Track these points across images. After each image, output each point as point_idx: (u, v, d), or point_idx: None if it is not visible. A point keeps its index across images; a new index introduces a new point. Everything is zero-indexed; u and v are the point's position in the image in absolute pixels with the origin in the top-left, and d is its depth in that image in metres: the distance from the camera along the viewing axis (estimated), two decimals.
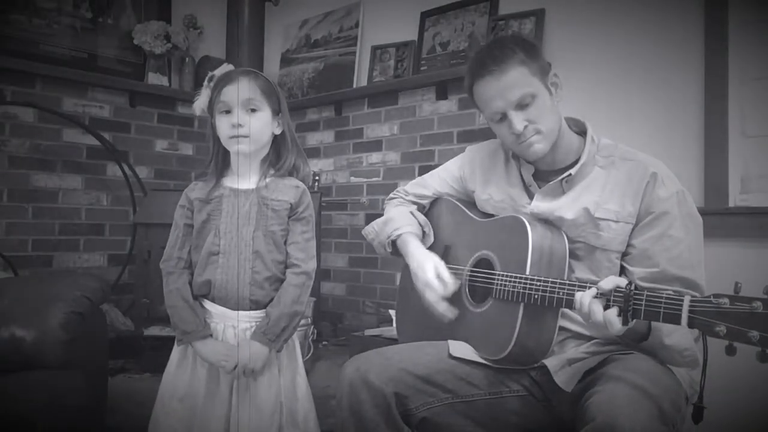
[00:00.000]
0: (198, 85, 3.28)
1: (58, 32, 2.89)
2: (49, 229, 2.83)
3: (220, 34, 3.40)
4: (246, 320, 1.37)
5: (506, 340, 1.22)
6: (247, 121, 1.34)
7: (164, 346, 1.94)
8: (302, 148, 1.49)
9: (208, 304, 1.39)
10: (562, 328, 1.27)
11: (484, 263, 1.36)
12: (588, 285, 1.12)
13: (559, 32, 2.38)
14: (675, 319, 0.98)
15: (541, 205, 1.33)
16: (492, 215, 1.43)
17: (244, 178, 1.41)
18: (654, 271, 1.22)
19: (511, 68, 1.24)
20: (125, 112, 3.10)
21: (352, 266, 3.04)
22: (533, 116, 1.25)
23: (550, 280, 1.18)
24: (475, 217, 1.45)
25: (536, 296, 1.18)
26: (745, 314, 0.90)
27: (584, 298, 1.09)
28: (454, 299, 1.36)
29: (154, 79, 3.16)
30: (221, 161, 1.42)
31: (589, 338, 1.29)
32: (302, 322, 1.78)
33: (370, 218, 2.96)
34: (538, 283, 1.18)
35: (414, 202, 1.60)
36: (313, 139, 3.26)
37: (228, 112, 1.35)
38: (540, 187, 1.35)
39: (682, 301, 0.97)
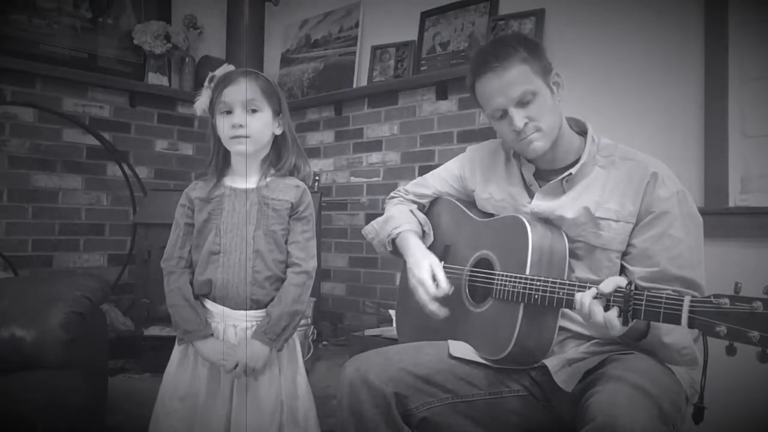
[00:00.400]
0: (198, 85, 3.30)
1: (58, 32, 2.89)
2: (49, 229, 2.83)
3: (220, 34, 3.40)
4: (247, 319, 1.37)
5: (506, 340, 1.22)
6: (248, 122, 1.35)
7: (164, 346, 1.94)
8: (302, 148, 1.49)
9: (208, 304, 1.39)
10: (561, 328, 1.27)
11: (484, 263, 1.36)
12: (588, 285, 1.12)
13: (559, 32, 2.38)
14: (675, 320, 0.98)
15: (541, 204, 1.33)
16: (492, 215, 1.43)
17: (245, 178, 1.41)
18: (654, 271, 1.22)
19: (512, 66, 1.24)
20: (125, 112, 3.10)
21: (352, 266, 3.04)
22: (534, 114, 1.26)
23: (550, 280, 1.17)
24: (475, 216, 1.45)
25: (536, 296, 1.18)
26: (746, 314, 0.90)
27: (584, 298, 1.09)
28: (453, 299, 1.36)
29: (154, 79, 3.16)
30: (222, 161, 1.43)
31: (588, 338, 1.29)
32: (302, 322, 1.78)
33: (370, 218, 2.96)
34: (538, 283, 1.18)
35: (414, 201, 1.61)
36: (313, 139, 3.26)
37: (229, 112, 1.36)
38: (540, 187, 1.35)
39: (683, 301, 0.97)
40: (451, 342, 1.33)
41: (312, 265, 1.42)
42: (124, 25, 3.12)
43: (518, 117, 1.26)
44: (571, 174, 1.30)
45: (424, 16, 2.84)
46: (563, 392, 1.21)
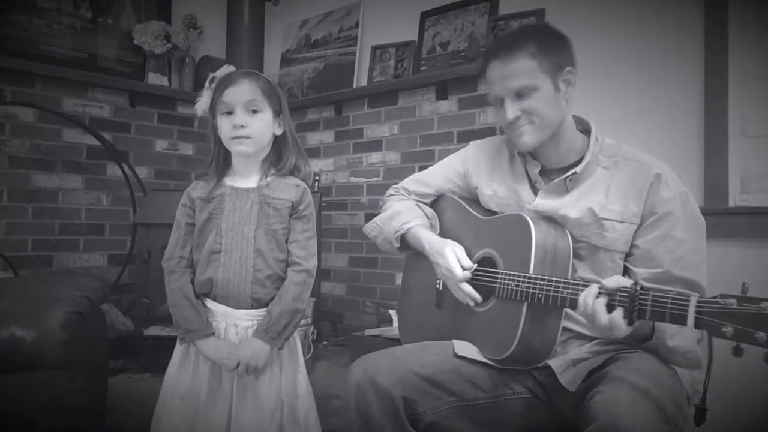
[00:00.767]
0: (198, 86, 3.31)
1: (58, 32, 2.89)
2: (49, 229, 2.83)
3: (220, 34, 3.40)
4: (248, 318, 1.37)
5: (509, 339, 1.22)
6: (249, 122, 1.35)
7: (164, 346, 1.94)
8: (302, 148, 1.49)
9: (210, 303, 1.39)
10: (564, 329, 1.26)
11: (486, 262, 1.35)
12: (591, 284, 1.11)
13: None
14: (681, 320, 0.97)
15: (544, 202, 1.32)
16: (495, 213, 1.42)
17: (246, 178, 1.42)
18: (657, 272, 1.21)
19: (517, 58, 1.25)
20: (125, 112, 3.10)
21: (352, 266, 3.04)
22: (530, 107, 1.26)
23: (554, 279, 1.17)
24: (477, 214, 1.44)
25: (540, 295, 1.17)
26: (753, 315, 0.89)
27: (587, 298, 1.09)
28: (457, 299, 1.36)
29: (154, 79, 3.16)
30: (223, 161, 1.43)
31: (591, 338, 1.29)
32: (302, 321, 1.78)
33: (370, 218, 2.94)
34: (542, 282, 1.18)
35: (415, 201, 1.59)
36: (313, 139, 3.26)
37: (230, 113, 1.36)
38: (545, 184, 1.35)
39: (689, 301, 0.96)
40: (455, 342, 1.33)
41: (312, 263, 1.42)
42: (124, 25, 3.12)
43: (511, 109, 1.27)
44: (575, 173, 1.29)
45: (424, 16, 2.84)
46: (566, 393, 1.21)
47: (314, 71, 3.25)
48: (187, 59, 3.28)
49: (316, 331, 2.60)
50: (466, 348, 1.31)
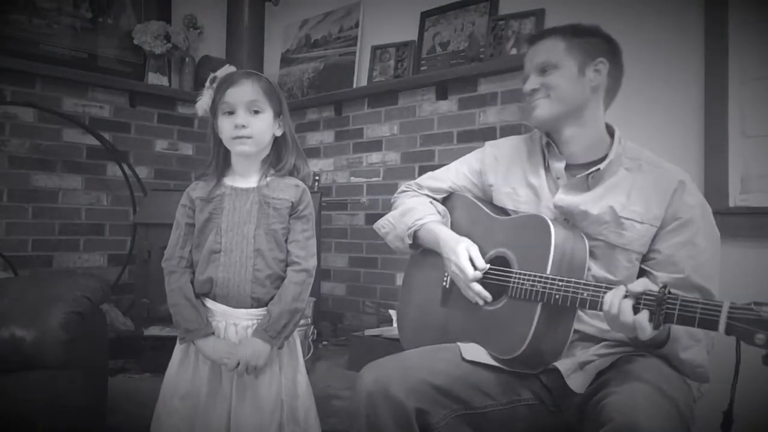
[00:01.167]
0: (198, 85, 3.31)
1: (58, 32, 2.89)
2: (49, 229, 2.83)
3: (220, 34, 3.40)
4: (247, 318, 1.37)
5: (521, 339, 1.20)
6: (251, 122, 1.35)
7: (164, 346, 1.95)
8: (302, 148, 1.50)
9: (209, 303, 1.39)
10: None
11: (498, 261, 1.34)
12: (613, 287, 1.10)
13: None
14: (712, 325, 0.95)
15: (565, 198, 1.32)
16: (507, 212, 1.41)
17: (246, 178, 1.42)
18: (678, 277, 1.21)
19: (547, 39, 1.34)
20: (125, 112, 3.10)
21: (352, 266, 3.04)
22: (549, 82, 1.31)
23: (573, 280, 1.16)
24: (492, 213, 1.42)
25: (557, 296, 1.16)
26: None
27: (614, 298, 1.07)
28: (462, 296, 1.35)
29: (154, 79, 3.16)
30: (222, 161, 1.43)
31: (598, 340, 1.28)
32: (302, 321, 1.78)
33: (370, 218, 2.98)
34: (560, 283, 1.17)
35: (428, 196, 1.57)
36: (313, 139, 3.26)
37: (231, 113, 1.36)
38: (567, 180, 1.34)
39: (721, 306, 0.95)
40: (462, 345, 1.31)
41: (312, 263, 1.42)
42: (124, 25, 3.12)
43: (532, 81, 1.33)
44: (599, 170, 1.29)
45: (424, 16, 2.84)
46: (572, 396, 1.20)
47: (314, 71, 3.25)
48: (187, 59, 3.28)
49: (316, 331, 2.60)
50: (473, 351, 1.29)
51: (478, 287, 1.30)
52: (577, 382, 1.21)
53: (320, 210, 2.88)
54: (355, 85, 3.04)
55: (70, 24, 2.93)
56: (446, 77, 2.65)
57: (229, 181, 1.42)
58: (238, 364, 1.31)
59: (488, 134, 2.51)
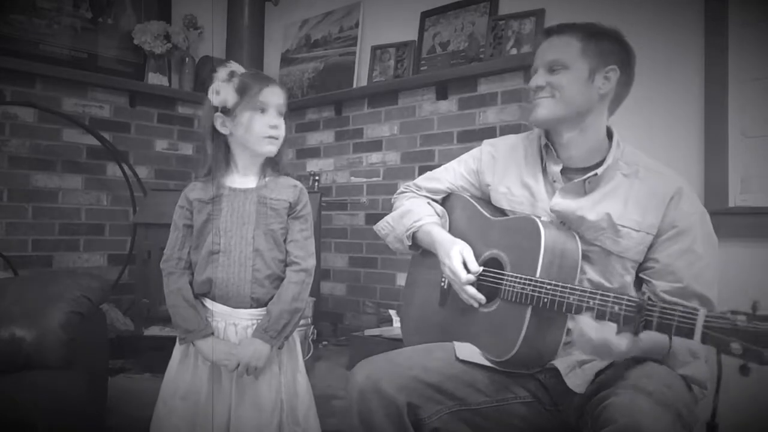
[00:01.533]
0: (198, 85, 3.31)
1: (58, 32, 2.89)
2: (49, 229, 2.83)
3: (220, 34, 3.39)
4: (247, 318, 1.37)
5: (512, 342, 1.21)
6: (281, 125, 1.38)
7: (164, 346, 1.94)
8: (302, 148, 1.50)
9: (209, 303, 1.39)
10: (568, 330, 1.24)
11: (493, 263, 1.34)
12: (599, 292, 1.10)
13: None
14: (688, 333, 0.94)
15: (561, 202, 1.31)
16: (505, 213, 1.41)
17: (244, 178, 1.42)
18: (677, 286, 1.21)
19: (561, 36, 1.30)
20: (125, 112, 3.10)
21: (352, 266, 3.04)
22: (556, 81, 1.28)
23: (560, 284, 1.15)
24: (487, 214, 1.42)
25: (545, 299, 1.16)
26: (763, 332, 0.85)
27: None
28: (461, 299, 1.35)
29: (154, 79, 3.16)
30: (223, 160, 1.41)
31: None
32: (302, 322, 1.78)
33: (370, 218, 2.98)
34: (548, 287, 1.16)
35: (427, 197, 1.57)
36: (313, 139, 3.26)
37: (263, 111, 1.36)
38: (563, 184, 1.33)
39: (697, 314, 0.93)
40: (457, 344, 1.32)
41: (311, 263, 1.42)
42: (124, 25, 3.12)
43: (538, 77, 1.30)
44: (596, 174, 1.28)
45: (424, 16, 2.84)
46: (571, 396, 1.20)
47: (314, 71, 3.25)
48: (187, 59, 3.28)
49: (316, 331, 2.60)
50: (467, 351, 1.30)
51: (471, 290, 1.30)
52: (576, 382, 1.21)
53: (320, 210, 2.88)
54: (355, 85, 3.04)
55: (70, 24, 2.93)
56: (446, 77, 2.65)
57: (227, 181, 1.42)
58: (238, 365, 1.31)
59: (488, 134, 2.51)
